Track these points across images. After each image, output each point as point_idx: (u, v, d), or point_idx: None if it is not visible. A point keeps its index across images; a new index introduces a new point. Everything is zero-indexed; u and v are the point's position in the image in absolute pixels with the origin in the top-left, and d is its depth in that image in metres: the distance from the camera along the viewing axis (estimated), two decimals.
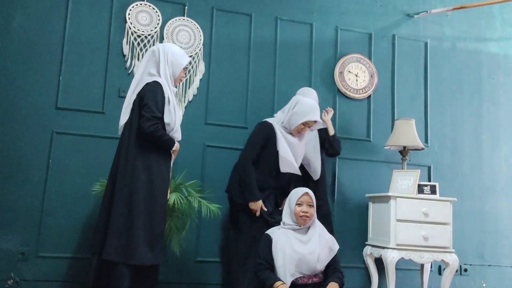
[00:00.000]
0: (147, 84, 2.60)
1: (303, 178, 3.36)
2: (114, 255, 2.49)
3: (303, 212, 2.61)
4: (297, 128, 3.06)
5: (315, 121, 3.08)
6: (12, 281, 3.20)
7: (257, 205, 3.02)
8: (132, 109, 2.65)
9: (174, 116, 2.64)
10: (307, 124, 3.07)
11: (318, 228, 2.69)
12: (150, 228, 2.56)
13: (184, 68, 2.76)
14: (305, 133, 3.18)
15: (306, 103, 3.09)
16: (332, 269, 2.61)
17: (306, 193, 2.66)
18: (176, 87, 2.76)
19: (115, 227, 2.52)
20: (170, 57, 2.67)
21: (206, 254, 3.58)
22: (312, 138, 3.49)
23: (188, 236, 3.32)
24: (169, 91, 2.63)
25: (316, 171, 3.46)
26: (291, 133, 3.13)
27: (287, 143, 3.08)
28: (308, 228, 2.64)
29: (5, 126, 3.32)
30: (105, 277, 2.55)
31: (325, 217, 3.39)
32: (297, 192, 2.67)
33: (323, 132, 3.62)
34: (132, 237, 2.51)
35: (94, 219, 3.36)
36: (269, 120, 3.22)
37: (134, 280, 2.55)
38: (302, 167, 3.33)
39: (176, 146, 2.69)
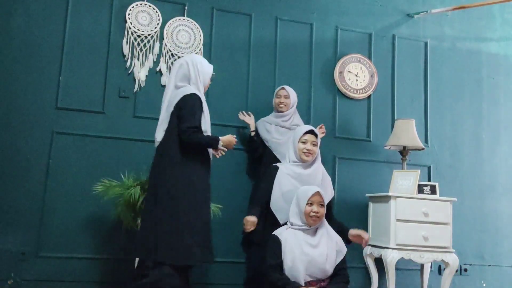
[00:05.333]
0: (185, 95, 2.67)
1: None
2: (170, 257, 2.55)
3: (314, 212, 2.53)
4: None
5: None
6: (12, 281, 3.20)
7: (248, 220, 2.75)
8: (171, 121, 2.69)
9: (207, 122, 2.75)
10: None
11: (326, 228, 2.63)
12: (198, 228, 2.64)
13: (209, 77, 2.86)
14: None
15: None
16: (337, 272, 2.57)
17: (318, 192, 2.56)
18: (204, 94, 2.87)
19: (165, 230, 2.58)
20: (199, 67, 2.77)
21: None
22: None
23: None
24: (203, 101, 2.74)
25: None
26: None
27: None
28: (316, 228, 2.58)
29: (5, 126, 3.32)
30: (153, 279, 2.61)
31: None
32: (308, 191, 2.57)
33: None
34: (183, 238, 2.58)
35: (94, 219, 3.38)
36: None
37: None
38: None
39: (225, 139, 2.74)
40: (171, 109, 2.69)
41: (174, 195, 2.61)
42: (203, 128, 2.70)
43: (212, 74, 2.87)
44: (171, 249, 2.56)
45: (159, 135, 2.72)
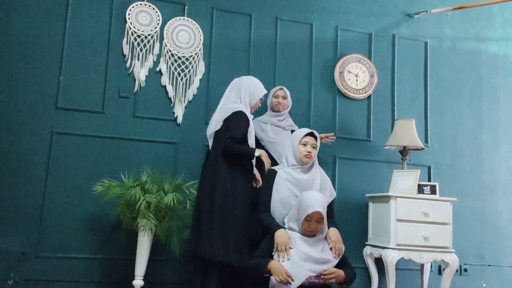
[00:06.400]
0: (233, 112, 2.96)
1: None
2: (238, 260, 2.75)
3: (309, 229, 2.54)
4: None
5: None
6: (12, 281, 3.20)
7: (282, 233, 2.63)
8: (219, 133, 2.98)
9: (252, 139, 3.04)
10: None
11: (324, 232, 2.64)
12: (244, 231, 2.86)
13: (259, 99, 3.15)
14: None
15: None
16: (342, 266, 2.60)
17: (319, 212, 2.51)
18: (251, 114, 3.11)
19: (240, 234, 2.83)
20: (249, 88, 3.09)
21: None
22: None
23: (188, 236, 3.32)
24: (249, 117, 3.02)
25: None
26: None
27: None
28: (314, 234, 2.59)
29: (5, 126, 3.32)
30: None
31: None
32: (308, 208, 2.51)
33: None
34: (230, 240, 2.80)
35: (94, 219, 3.38)
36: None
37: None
38: None
39: (261, 152, 2.99)
40: (221, 122, 2.98)
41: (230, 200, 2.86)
42: (250, 142, 2.99)
43: (261, 98, 3.15)
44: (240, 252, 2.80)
45: (211, 142, 3.04)
